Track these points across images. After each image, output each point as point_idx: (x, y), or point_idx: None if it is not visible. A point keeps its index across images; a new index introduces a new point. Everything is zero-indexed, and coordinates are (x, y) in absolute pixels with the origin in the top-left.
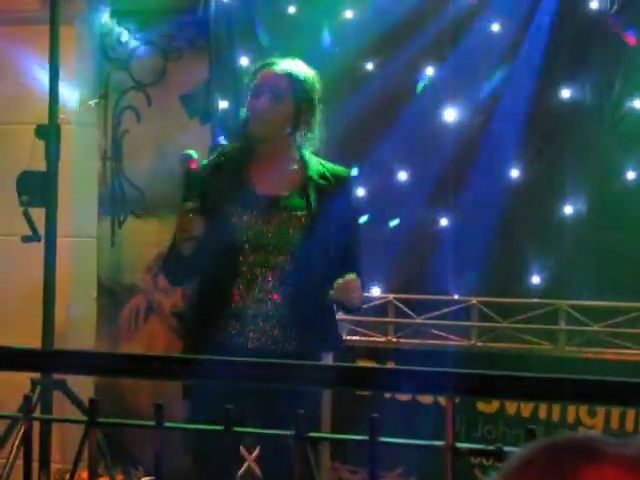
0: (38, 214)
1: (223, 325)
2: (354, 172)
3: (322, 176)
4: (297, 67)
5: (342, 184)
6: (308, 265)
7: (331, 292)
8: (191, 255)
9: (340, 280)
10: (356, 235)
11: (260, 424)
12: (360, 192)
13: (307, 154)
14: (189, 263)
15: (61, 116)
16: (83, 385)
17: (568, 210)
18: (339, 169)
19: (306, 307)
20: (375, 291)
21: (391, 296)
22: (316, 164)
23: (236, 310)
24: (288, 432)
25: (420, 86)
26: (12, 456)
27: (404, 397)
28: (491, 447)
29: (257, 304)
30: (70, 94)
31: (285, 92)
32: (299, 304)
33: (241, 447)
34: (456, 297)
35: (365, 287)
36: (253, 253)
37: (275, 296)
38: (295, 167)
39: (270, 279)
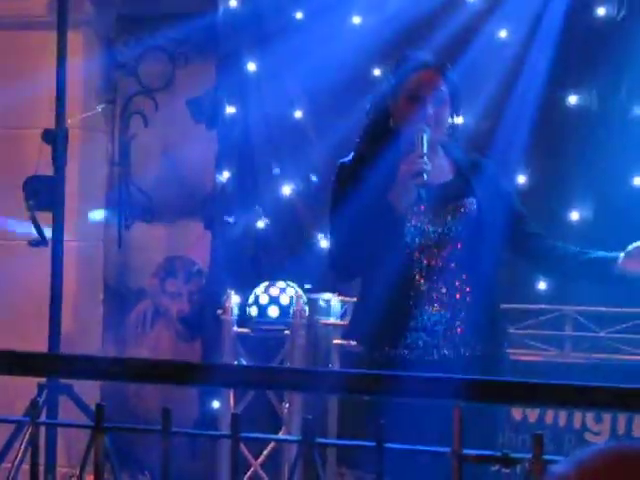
0: (45, 218)
1: (404, 339)
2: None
3: (472, 165)
4: (446, 65)
5: (490, 170)
6: (480, 257)
7: (620, 258)
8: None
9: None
10: (525, 214)
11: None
12: None
13: (449, 146)
14: (362, 249)
15: (68, 121)
16: (89, 389)
17: (574, 216)
18: (479, 157)
19: (486, 302)
20: None
21: None
22: (459, 154)
23: (416, 320)
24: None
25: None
26: (18, 460)
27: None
28: (498, 453)
29: (437, 307)
30: (77, 99)
31: (447, 95)
32: (479, 300)
33: (247, 452)
34: None
35: None
36: (424, 250)
37: (455, 295)
38: (443, 161)
39: (446, 276)
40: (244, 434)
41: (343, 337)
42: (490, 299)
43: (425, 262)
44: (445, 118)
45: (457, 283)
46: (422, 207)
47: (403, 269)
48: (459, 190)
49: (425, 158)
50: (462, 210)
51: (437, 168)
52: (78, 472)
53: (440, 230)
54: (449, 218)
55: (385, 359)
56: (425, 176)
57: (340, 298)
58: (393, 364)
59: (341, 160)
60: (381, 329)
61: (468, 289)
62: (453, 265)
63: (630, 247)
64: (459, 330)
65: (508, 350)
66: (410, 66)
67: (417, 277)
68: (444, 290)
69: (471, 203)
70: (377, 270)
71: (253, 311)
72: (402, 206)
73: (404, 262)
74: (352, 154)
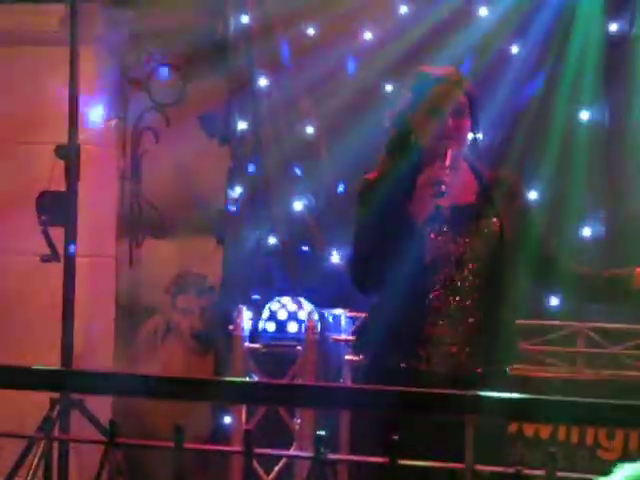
0: (57, 234)
1: (414, 351)
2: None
3: (496, 181)
4: (465, 78)
5: (514, 187)
6: (497, 279)
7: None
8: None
9: None
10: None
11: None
12: None
13: (472, 160)
14: (381, 259)
15: (81, 136)
16: (100, 404)
17: (586, 232)
18: (504, 171)
19: (497, 323)
20: None
21: None
22: (483, 169)
23: (427, 334)
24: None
25: None
26: (30, 475)
27: None
28: (510, 469)
29: (449, 324)
30: (90, 114)
31: (467, 108)
32: (489, 323)
33: (258, 468)
34: None
35: None
36: (442, 268)
37: (465, 316)
38: (467, 177)
39: (461, 295)
40: (256, 450)
41: (353, 348)
42: (502, 321)
43: (441, 281)
44: (466, 131)
45: (469, 304)
46: (444, 227)
47: (418, 285)
48: (482, 210)
49: (446, 170)
50: (484, 231)
51: (461, 185)
52: None
53: (460, 250)
54: (470, 239)
55: (392, 371)
56: (443, 186)
57: (351, 314)
58: (398, 377)
59: (365, 175)
60: (390, 341)
61: (480, 310)
62: (468, 286)
63: None
64: (464, 350)
65: (510, 370)
66: (429, 80)
67: (431, 295)
68: (455, 310)
69: (494, 224)
70: (393, 283)
71: (265, 327)
72: (421, 216)
73: (420, 278)
74: (375, 169)
